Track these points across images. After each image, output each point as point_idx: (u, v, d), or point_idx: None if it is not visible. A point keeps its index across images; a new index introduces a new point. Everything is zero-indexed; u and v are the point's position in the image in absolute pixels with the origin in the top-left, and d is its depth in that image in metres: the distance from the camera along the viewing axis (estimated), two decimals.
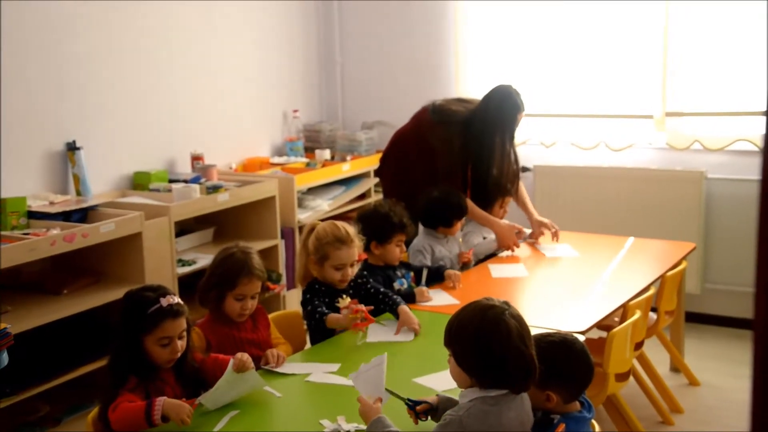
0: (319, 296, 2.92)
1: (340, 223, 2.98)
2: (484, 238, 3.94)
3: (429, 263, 3.59)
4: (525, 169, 5.08)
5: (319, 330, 2.87)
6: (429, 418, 2.10)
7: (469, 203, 3.83)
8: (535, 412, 2.04)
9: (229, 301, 2.70)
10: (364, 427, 2.08)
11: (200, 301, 2.75)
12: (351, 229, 2.97)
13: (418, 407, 2.09)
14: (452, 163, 3.88)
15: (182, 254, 3.95)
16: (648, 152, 4.74)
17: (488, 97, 3.90)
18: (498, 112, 3.85)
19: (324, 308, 2.84)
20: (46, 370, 3.18)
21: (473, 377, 1.95)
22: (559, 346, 2.11)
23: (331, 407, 2.30)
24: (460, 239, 3.89)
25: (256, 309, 2.79)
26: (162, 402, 2.16)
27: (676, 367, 4.00)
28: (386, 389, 2.14)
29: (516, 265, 3.70)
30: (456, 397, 2.08)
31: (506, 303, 1.98)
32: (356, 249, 2.96)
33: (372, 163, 5.08)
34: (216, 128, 4.74)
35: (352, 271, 2.96)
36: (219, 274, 2.73)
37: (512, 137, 3.96)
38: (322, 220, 3.06)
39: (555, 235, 4.02)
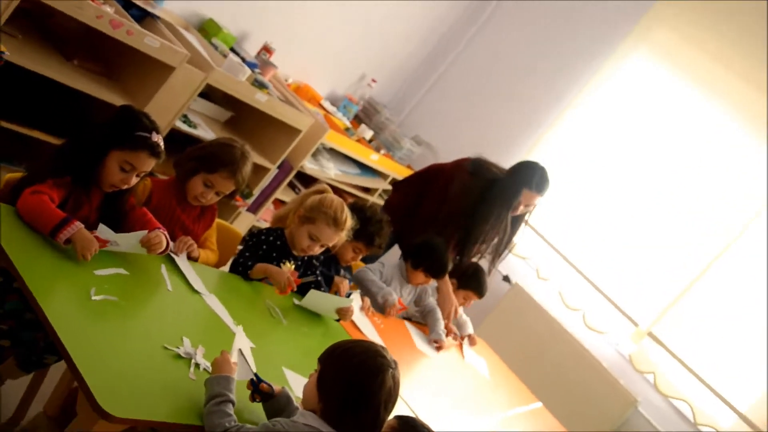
0: (259, 250, 2.85)
1: (348, 209, 2.91)
2: None
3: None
4: (507, 280, 5.06)
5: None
6: (262, 401, 2.03)
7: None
8: None
9: (196, 181, 2.65)
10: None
11: (176, 162, 2.70)
12: (351, 222, 2.91)
13: (261, 385, 2.02)
14: (458, 213, 3.80)
15: (190, 113, 3.89)
16: (609, 350, 4.71)
17: (515, 165, 3.81)
18: (511, 178, 3.74)
19: (250, 262, 2.76)
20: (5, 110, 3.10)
21: (321, 404, 1.92)
22: None
23: (202, 334, 2.24)
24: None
25: (210, 205, 2.74)
26: (76, 228, 2.08)
27: None
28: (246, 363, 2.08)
29: (432, 346, 3.62)
30: (297, 403, 2.05)
31: (395, 363, 1.97)
32: (338, 239, 2.91)
33: (397, 171, 5.05)
34: (300, 39, 4.66)
35: (318, 251, 2.92)
36: (208, 152, 2.68)
37: (509, 209, 3.74)
38: (333, 188, 3.01)
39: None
